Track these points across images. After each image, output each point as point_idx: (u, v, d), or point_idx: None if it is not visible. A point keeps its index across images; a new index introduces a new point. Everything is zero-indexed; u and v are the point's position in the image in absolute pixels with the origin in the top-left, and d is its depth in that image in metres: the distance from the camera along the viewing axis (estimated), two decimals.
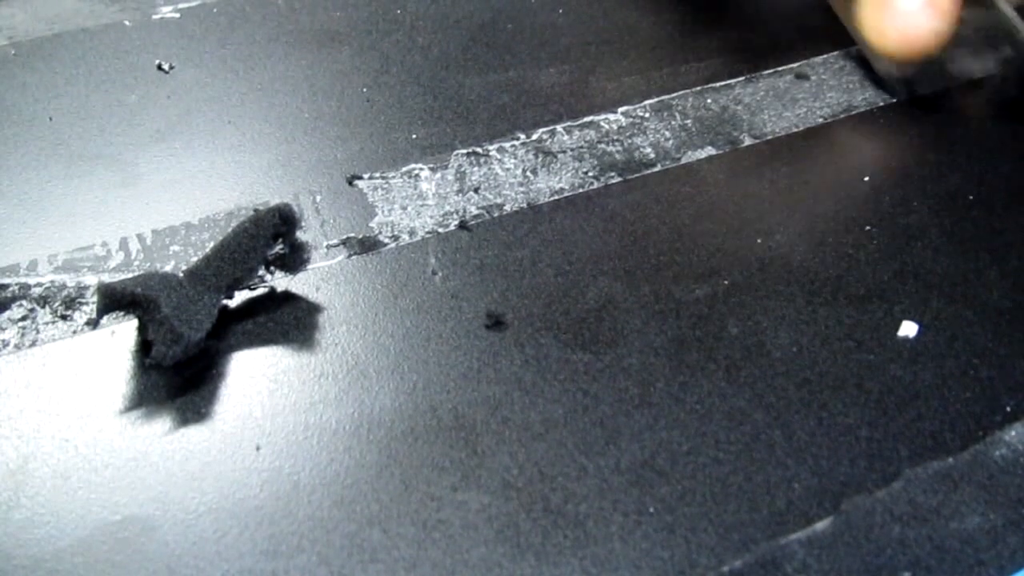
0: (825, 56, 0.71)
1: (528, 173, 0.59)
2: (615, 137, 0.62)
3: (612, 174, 0.60)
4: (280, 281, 0.52)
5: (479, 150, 0.61)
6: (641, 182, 0.59)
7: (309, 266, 0.52)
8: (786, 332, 0.50)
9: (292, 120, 0.63)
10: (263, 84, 0.66)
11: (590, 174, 0.60)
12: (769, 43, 0.72)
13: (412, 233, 0.55)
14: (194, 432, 0.44)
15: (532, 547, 0.40)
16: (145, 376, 0.46)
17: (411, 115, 0.64)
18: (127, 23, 0.72)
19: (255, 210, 0.50)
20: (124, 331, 0.48)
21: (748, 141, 0.63)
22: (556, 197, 0.58)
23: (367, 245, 0.54)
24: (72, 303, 0.50)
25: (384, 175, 0.58)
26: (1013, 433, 0.45)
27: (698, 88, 0.67)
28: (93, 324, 0.48)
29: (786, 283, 0.53)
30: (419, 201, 0.57)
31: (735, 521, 0.41)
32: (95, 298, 0.49)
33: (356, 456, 0.43)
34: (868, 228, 0.57)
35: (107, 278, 0.51)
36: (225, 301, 0.49)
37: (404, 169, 0.59)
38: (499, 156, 0.60)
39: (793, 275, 0.53)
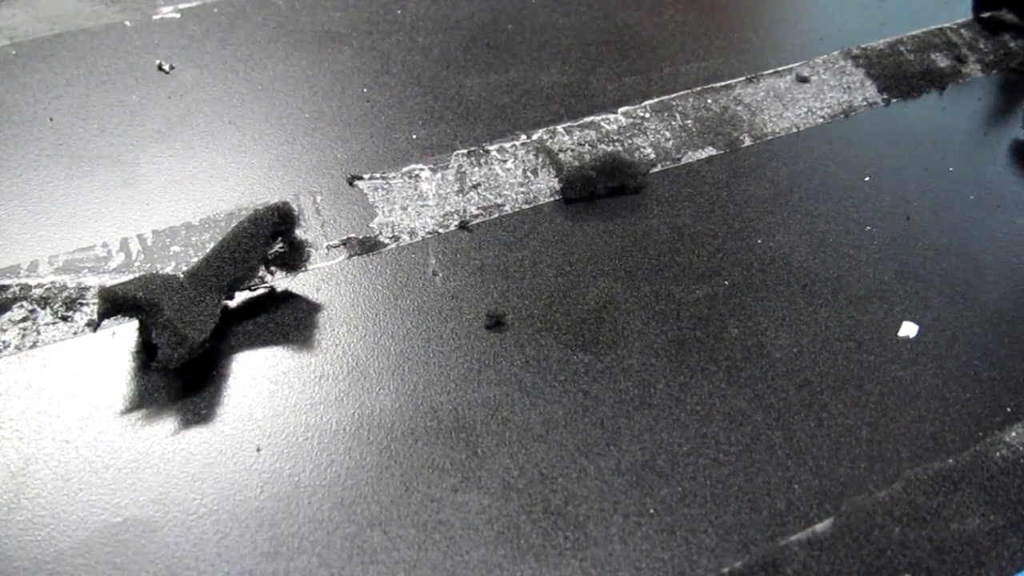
0: (825, 56, 0.71)
1: (528, 173, 0.59)
2: (615, 137, 0.62)
3: None
4: (280, 281, 0.52)
5: (480, 150, 0.61)
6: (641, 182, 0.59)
7: (309, 266, 0.52)
8: (786, 333, 0.50)
9: (292, 120, 0.63)
10: (263, 84, 0.66)
11: None
12: (769, 43, 0.72)
13: (412, 234, 0.55)
14: (195, 433, 0.44)
15: (532, 548, 0.40)
16: (146, 377, 0.46)
17: (411, 115, 0.64)
18: (128, 23, 0.72)
19: (255, 210, 0.49)
20: (125, 332, 0.48)
21: (748, 141, 0.63)
22: (556, 197, 0.58)
23: (367, 245, 0.54)
24: (73, 304, 0.50)
25: (384, 175, 0.58)
26: (1013, 434, 0.45)
27: (698, 88, 0.67)
28: (94, 327, 0.48)
29: (786, 283, 0.53)
30: (419, 201, 0.57)
31: (735, 522, 0.41)
32: (96, 301, 0.49)
33: (356, 457, 0.43)
34: (868, 228, 0.56)
35: (108, 279, 0.51)
36: (226, 301, 0.49)
37: (404, 169, 0.59)
38: (499, 156, 0.60)
39: (793, 275, 0.53)
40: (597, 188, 0.57)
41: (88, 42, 0.69)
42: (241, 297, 0.51)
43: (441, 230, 0.55)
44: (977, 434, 0.45)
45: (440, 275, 0.53)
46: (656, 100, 0.66)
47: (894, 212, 0.58)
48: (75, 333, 0.49)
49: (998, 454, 0.44)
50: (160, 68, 0.67)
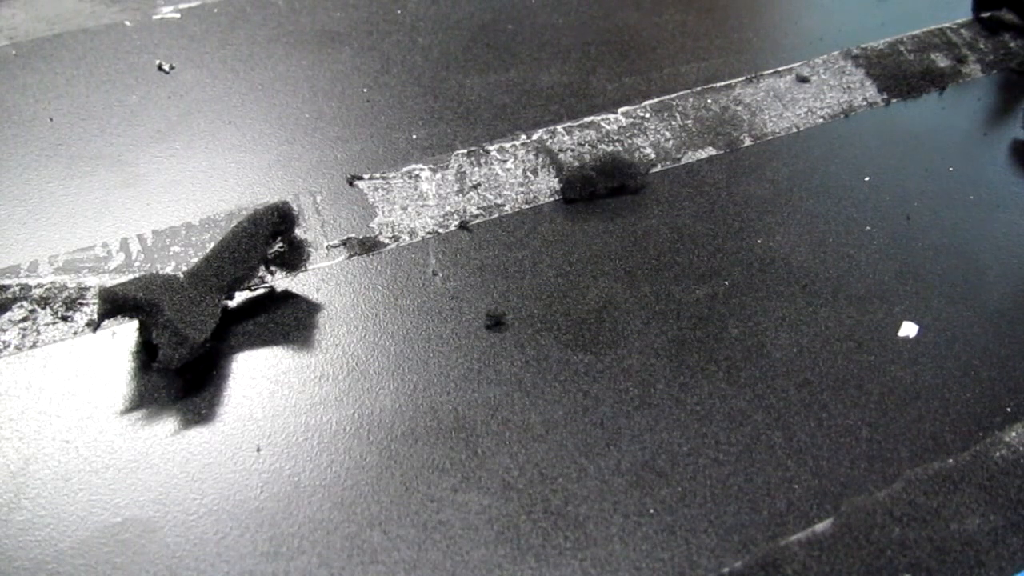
0: (825, 56, 0.71)
1: (528, 173, 0.59)
2: (615, 137, 0.62)
3: None
4: (280, 281, 0.52)
5: (480, 150, 0.61)
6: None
7: (309, 266, 0.52)
8: (786, 333, 0.50)
9: (292, 120, 0.63)
10: (263, 84, 0.66)
11: None
12: (769, 43, 0.72)
13: (412, 234, 0.55)
14: (195, 433, 0.44)
15: (532, 548, 0.40)
16: (146, 377, 0.46)
17: (411, 115, 0.64)
18: (127, 23, 0.72)
19: (255, 210, 0.49)
20: (125, 332, 0.48)
21: (748, 141, 0.63)
22: (556, 197, 0.58)
23: (367, 245, 0.54)
24: (73, 304, 0.50)
25: (384, 175, 0.58)
26: (1013, 434, 0.45)
27: (698, 88, 0.67)
28: (94, 327, 0.48)
29: (786, 283, 0.53)
30: (419, 201, 0.57)
31: (735, 522, 0.41)
32: (96, 301, 0.49)
33: (356, 457, 0.43)
34: (868, 228, 0.56)
35: (108, 279, 0.51)
36: (226, 301, 0.49)
37: (404, 169, 0.59)
38: (499, 156, 0.60)
39: (793, 275, 0.53)
40: (597, 188, 0.57)
41: (88, 42, 0.69)
42: (241, 297, 0.51)
43: (441, 230, 0.55)
44: (977, 434, 0.45)
45: (440, 275, 0.53)
46: (656, 100, 0.66)
47: (894, 212, 0.58)
48: (75, 333, 0.49)
49: (998, 454, 0.44)
50: (160, 68, 0.67)
